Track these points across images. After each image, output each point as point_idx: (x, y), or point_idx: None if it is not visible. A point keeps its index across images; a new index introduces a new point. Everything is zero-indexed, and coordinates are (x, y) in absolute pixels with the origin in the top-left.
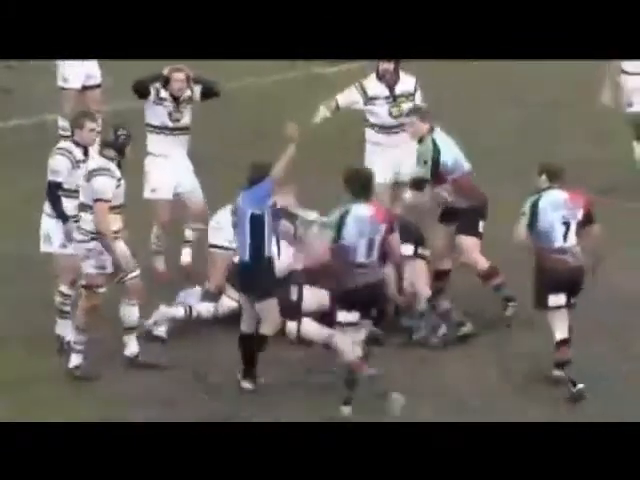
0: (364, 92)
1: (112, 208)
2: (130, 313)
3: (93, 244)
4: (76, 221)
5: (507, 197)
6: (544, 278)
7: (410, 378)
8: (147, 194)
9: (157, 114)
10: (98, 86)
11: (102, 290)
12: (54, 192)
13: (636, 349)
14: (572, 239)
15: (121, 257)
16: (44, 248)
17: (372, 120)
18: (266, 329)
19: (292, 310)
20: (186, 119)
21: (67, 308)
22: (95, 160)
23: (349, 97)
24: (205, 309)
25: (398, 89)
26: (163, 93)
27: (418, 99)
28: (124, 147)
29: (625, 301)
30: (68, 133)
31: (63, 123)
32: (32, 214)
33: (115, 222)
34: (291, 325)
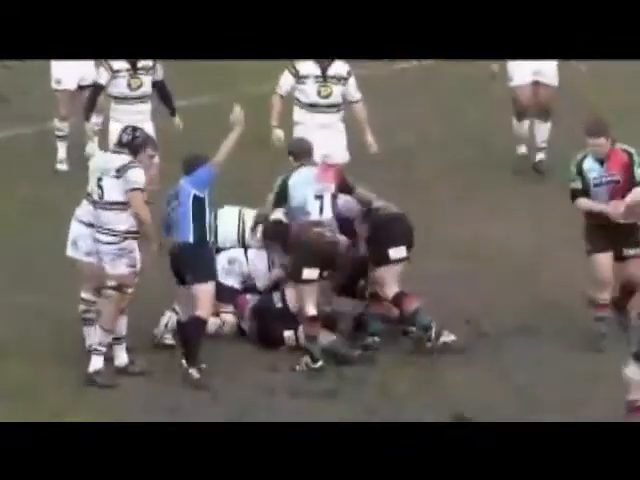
0: (296, 71)
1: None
2: (119, 323)
3: (126, 243)
4: (106, 227)
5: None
6: (300, 251)
7: (409, 385)
8: (56, 124)
9: (116, 85)
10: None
11: (131, 290)
12: None
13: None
14: (328, 212)
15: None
16: (70, 253)
17: (301, 98)
18: (202, 312)
19: (286, 318)
20: (146, 87)
21: (91, 315)
22: (116, 157)
23: (285, 81)
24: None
25: (331, 71)
26: (116, 65)
27: (352, 85)
28: (139, 148)
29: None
30: (64, 133)
31: (59, 125)
32: (32, 222)
33: (136, 219)
34: (288, 333)
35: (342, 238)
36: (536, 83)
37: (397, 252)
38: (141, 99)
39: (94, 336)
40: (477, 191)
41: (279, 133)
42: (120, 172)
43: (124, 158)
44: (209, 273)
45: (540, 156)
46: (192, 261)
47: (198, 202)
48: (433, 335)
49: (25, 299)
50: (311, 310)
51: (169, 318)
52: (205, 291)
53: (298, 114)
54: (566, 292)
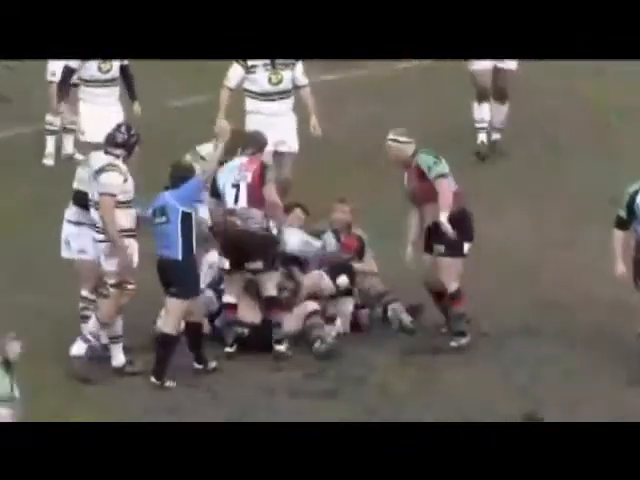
0: (245, 62)
1: (122, 203)
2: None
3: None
4: (98, 225)
5: None
6: (218, 240)
7: (409, 385)
8: (79, 137)
9: (87, 68)
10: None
11: (131, 287)
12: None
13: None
14: (243, 201)
15: (127, 256)
16: (64, 254)
17: (252, 88)
18: (167, 325)
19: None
20: (115, 71)
21: (89, 312)
22: (101, 158)
23: (234, 74)
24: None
25: None
26: None
27: (299, 70)
28: (134, 146)
29: (628, 310)
30: (55, 128)
31: (51, 118)
32: (32, 222)
33: (127, 218)
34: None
35: (256, 227)
36: (495, 67)
37: (468, 248)
38: (111, 82)
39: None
40: (477, 191)
41: (224, 124)
42: (97, 174)
43: (105, 159)
44: (192, 290)
45: (496, 136)
46: (178, 277)
47: (187, 218)
48: (463, 342)
49: (25, 299)
50: (228, 297)
51: None
52: (177, 305)
53: (250, 104)
54: (566, 292)
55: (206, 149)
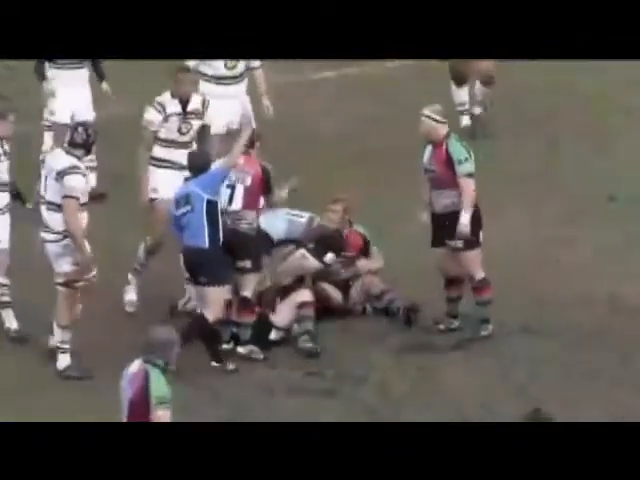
0: None
1: (81, 205)
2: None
3: (67, 241)
4: (46, 225)
5: None
6: None
7: (409, 384)
8: (46, 115)
9: None
10: None
11: (80, 284)
12: None
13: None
14: (237, 203)
15: (88, 257)
16: None
17: (207, 71)
18: (210, 315)
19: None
20: None
21: (6, 298)
22: (62, 158)
23: None
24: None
25: None
26: None
27: None
28: (92, 145)
29: (627, 309)
30: (49, 123)
31: (48, 114)
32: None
33: (83, 220)
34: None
35: (246, 227)
36: None
37: (482, 236)
38: (78, 64)
39: (12, 319)
40: (477, 191)
41: (249, 113)
42: (60, 175)
43: (68, 161)
44: (224, 277)
45: (477, 110)
46: (207, 265)
47: (212, 206)
48: (487, 333)
49: (24, 298)
50: (246, 293)
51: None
52: (216, 294)
53: (204, 87)
54: (566, 292)
55: (164, 97)
